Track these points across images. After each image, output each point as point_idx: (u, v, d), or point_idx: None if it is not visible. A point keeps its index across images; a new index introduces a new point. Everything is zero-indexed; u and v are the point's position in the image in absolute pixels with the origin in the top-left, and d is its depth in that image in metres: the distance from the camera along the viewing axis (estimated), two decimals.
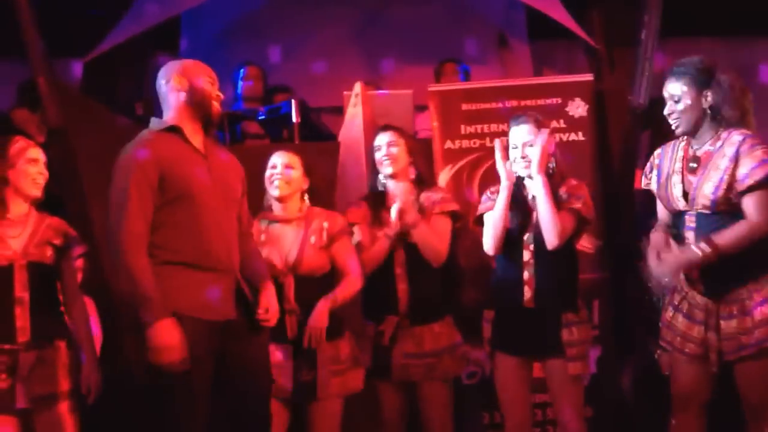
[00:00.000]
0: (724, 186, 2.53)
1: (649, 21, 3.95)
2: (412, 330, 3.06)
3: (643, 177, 2.85)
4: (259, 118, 4.45)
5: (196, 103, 2.58)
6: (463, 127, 3.85)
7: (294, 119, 4.06)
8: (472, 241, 3.32)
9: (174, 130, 2.57)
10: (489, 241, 2.96)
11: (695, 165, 2.61)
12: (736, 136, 2.57)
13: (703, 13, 4.96)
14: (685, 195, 2.61)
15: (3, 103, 5.02)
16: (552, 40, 5.35)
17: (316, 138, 4.27)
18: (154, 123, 2.60)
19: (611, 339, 3.69)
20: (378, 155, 3.18)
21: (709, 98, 2.57)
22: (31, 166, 2.79)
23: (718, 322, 2.60)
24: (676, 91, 2.61)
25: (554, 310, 2.90)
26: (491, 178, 3.30)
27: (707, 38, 4.97)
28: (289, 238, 3.03)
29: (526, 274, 2.89)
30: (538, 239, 2.89)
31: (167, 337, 2.36)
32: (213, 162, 2.60)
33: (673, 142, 2.74)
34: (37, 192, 2.81)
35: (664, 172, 2.72)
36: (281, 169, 3.03)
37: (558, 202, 2.89)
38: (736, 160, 2.53)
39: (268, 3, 5.37)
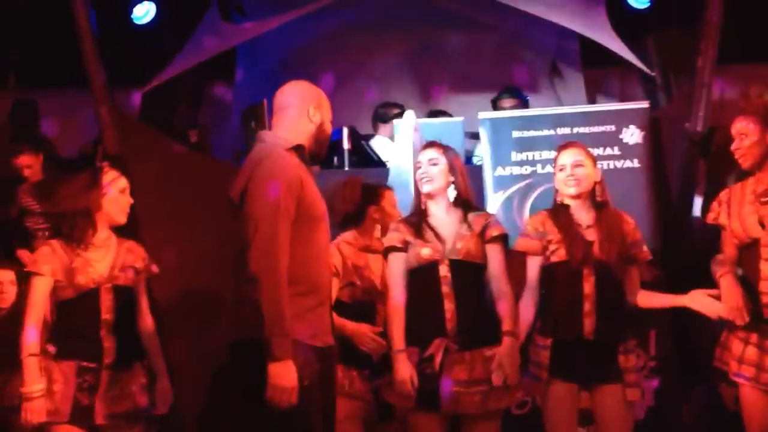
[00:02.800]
0: None
1: (706, 48, 3.88)
2: (462, 355, 2.82)
3: (710, 212, 2.91)
4: None
5: (318, 140, 2.54)
6: (513, 153, 3.82)
7: (345, 146, 4.10)
8: (516, 266, 3.22)
9: (299, 149, 2.47)
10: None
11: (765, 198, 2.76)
12: None
13: (763, 39, 4.85)
14: (761, 224, 2.74)
15: (72, 130, 5.21)
16: (606, 68, 5.31)
17: (366, 164, 4.29)
18: (273, 138, 2.47)
19: (671, 370, 3.56)
20: (418, 173, 3.00)
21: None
22: (122, 195, 2.95)
23: None
24: (742, 128, 2.79)
25: (614, 339, 2.87)
26: (543, 204, 3.24)
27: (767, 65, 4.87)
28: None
29: (587, 306, 2.83)
30: (599, 271, 2.85)
31: (288, 379, 2.25)
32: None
33: (740, 182, 2.88)
34: (123, 219, 2.97)
35: (734, 206, 2.82)
36: None
37: (624, 249, 2.89)
38: None
39: (321, 34, 5.45)
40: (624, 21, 4.72)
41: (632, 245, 2.91)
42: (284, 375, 2.23)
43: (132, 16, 5.16)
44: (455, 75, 5.44)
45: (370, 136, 4.80)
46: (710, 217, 2.91)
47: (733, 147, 2.82)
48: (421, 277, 2.88)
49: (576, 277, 2.86)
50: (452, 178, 2.97)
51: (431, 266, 2.86)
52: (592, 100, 5.29)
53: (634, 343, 2.91)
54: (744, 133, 2.78)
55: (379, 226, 3.19)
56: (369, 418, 3.06)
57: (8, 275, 3.86)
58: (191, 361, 3.80)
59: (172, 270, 3.81)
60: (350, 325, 2.98)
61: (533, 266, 2.96)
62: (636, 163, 3.73)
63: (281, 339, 2.23)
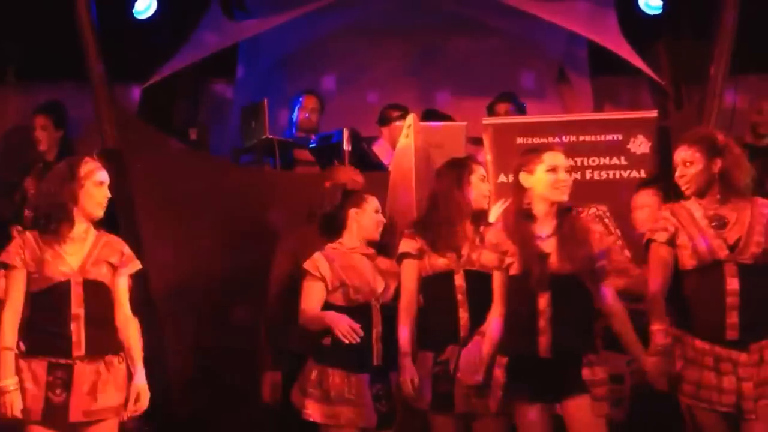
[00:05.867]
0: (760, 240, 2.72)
1: (719, 57, 3.82)
2: None
3: (662, 232, 2.82)
4: (311, 146, 4.49)
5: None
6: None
7: (345, 148, 4.05)
8: None
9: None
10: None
11: (723, 222, 2.76)
12: (762, 201, 2.80)
13: None
14: (729, 246, 2.74)
15: (71, 125, 5.15)
16: (614, 76, 5.20)
17: (367, 167, 4.24)
18: None
19: None
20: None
21: (719, 165, 2.77)
22: (98, 188, 2.85)
23: (749, 371, 2.68)
24: (688, 157, 2.80)
25: (574, 355, 2.76)
26: None
27: None
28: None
29: (541, 323, 2.73)
30: (555, 287, 2.73)
31: None
32: None
33: (679, 204, 2.86)
34: (100, 213, 2.88)
35: (692, 228, 2.79)
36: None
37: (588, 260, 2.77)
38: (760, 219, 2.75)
39: (324, 34, 5.39)
40: (635, 27, 4.65)
41: (598, 256, 2.77)
42: None
43: (133, 10, 5.10)
44: (460, 79, 5.37)
45: (371, 139, 4.74)
46: (663, 237, 2.81)
47: (677, 174, 2.82)
48: (437, 284, 3.04)
49: (531, 292, 2.75)
50: None
51: (447, 275, 3.01)
52: (599, 108, 5.20)
53: (603, 355, 2.81)
54: (690, 161, 2.79)
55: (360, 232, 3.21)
56: (368, 424, 3.05)
57: None
58: (186, 357, 3.74)
59: (169, 266, 3.78)
60: (329, 315, 3.05)
61: (495, 281, 2.89)
62: (643, 174, 3.65)
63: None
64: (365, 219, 3.21)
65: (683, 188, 2.83)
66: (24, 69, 5.29)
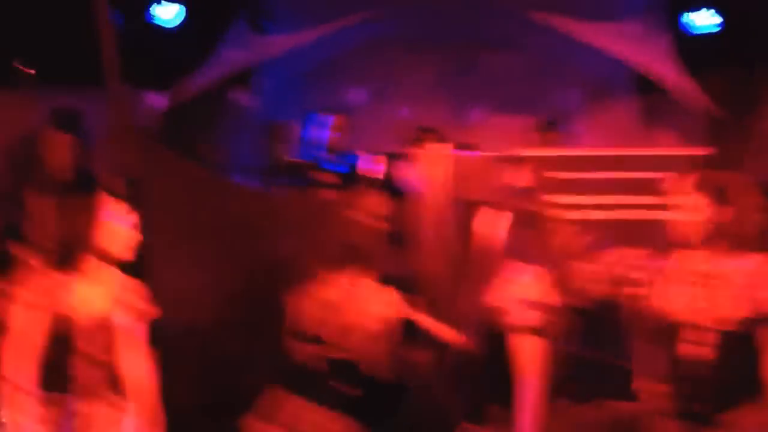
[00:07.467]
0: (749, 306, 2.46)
1: None
2: None
3: (635, 283, 2.62)
4: (334, 168, 4.38)
5: None
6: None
7: (370, 172, 3.91)
8: None
9: None
10: None
11: (708, 279, 2.51)
12: (751, 257, 2.50)
13: None
14: (703, 308, 2.50)
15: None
16: (662, 93, 4.88)
17: (391, 191, 4.08)
18: None
19: None
20: None
21: (729, 214, 2.51)
22: (128, 231, 2.69)
23: None
24: (694, 202, 2.55)
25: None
26: None
27: None
28: None
29: None
30: None
31: None
32: None
33: (679, 252, 2.61)
34: (128, 256, 2.70)
35: (667, 285, 2.56)
36: None
37: None
38: (757, 281, 2.46)
39: (354, 46, 5.21)
40: (690, 49, 4.36)
41: None
42: None
43: (155, 18, 4.97)
44: (493, 96, 5.16)
45: (400, 156, 4.59)
46: (636, 290, 2.60)
47: (682, 221, 2.55)
48: None
49: None
50: None
51: None
52: (646, 130, 4.91)
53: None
54: (696, 208, 2.52)
55: None
56: None
57: None
58: (188, 394, 3.63)
59: (178, 298, 3.65)
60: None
61: None
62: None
63: None
64: None
65: (687, 237, 2.55)
66: (39, 75, 5.19)
